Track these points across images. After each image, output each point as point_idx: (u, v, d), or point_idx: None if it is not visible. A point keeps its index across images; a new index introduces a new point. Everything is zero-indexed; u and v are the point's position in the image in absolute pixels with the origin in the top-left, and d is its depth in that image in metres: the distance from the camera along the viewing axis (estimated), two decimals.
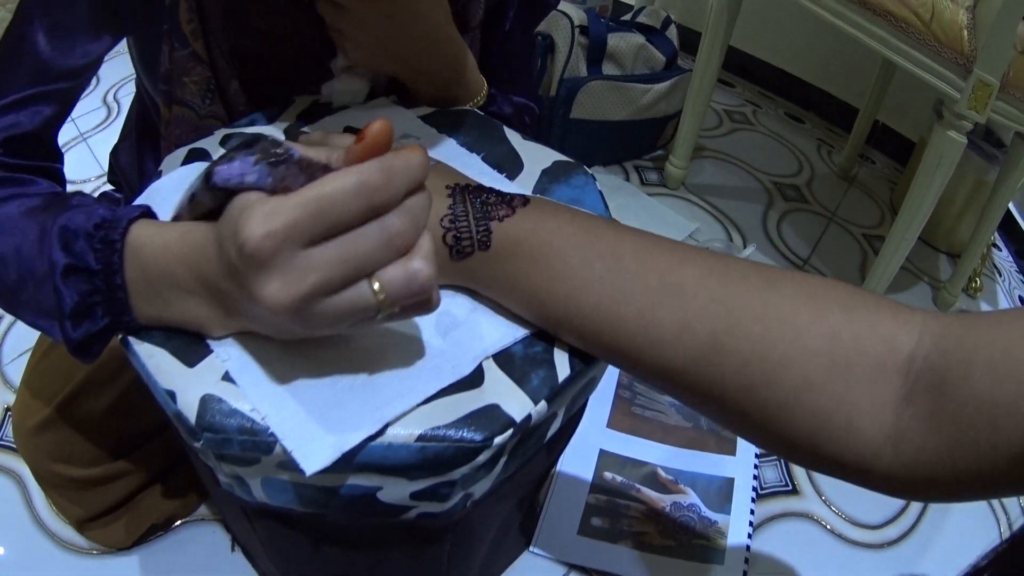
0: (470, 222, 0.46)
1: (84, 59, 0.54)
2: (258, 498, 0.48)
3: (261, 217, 0.35)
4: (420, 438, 0.43)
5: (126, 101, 1.58)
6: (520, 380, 0.47)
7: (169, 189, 0.53)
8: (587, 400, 0.60)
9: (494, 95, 0.69)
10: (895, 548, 0.99)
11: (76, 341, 0.45)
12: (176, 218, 0.45)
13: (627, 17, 1.66)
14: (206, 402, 0.42)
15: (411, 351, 0.46)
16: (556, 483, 0.96)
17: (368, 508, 0.47)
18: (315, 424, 0.41)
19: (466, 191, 0.48)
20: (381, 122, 0.37)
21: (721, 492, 1.00)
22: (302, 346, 0.45)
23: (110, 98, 1.61)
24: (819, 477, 1.07)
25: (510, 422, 0.45)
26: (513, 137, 0.64)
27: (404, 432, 0.43)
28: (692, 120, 1.46)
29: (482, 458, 0.44)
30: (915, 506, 1.05)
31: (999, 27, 0.98)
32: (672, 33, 1.59)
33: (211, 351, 0.45)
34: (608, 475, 0.99)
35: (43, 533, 0.85)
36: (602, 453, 1.01)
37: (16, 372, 1.01)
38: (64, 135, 0.72)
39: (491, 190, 0.48)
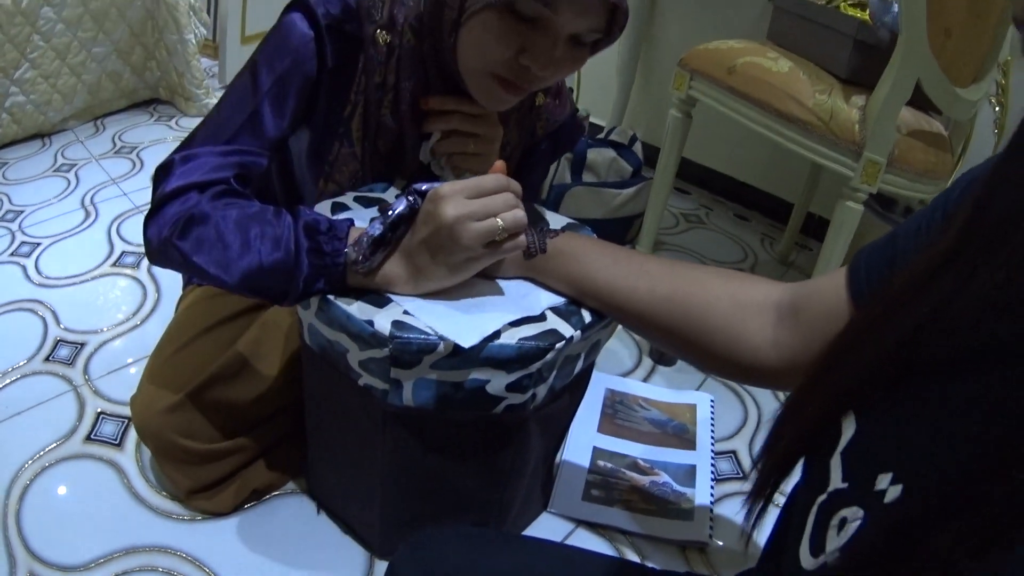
0: (535, 239, 0.84)
1: (279, 137, 0.89)
2: (405, 401, 0.81)
3: (448, 187, 0.74)
4: (519, 339, 0.77)
5: (103, 206, 1.94)
6: (566, 318, 0.83)
7: (324, 210, 0.89)
8: (593, 363, 0.95)
9: None
10: None
11: (300, 293, 0.78)
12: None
13: (602, 135, 2.12)
14: (395, 324, 0.76)
15: (509, 300, 0.83)
16: (562, 467, 1.28)
17: (479, 400, 0.81)
18: (464, 325, 0.76)
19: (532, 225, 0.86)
20: (501, 163, 0.75)
21: (686, 474, 1.34)
22: (447, 294, 0.80)
23: (88, 200, 1.97)
24: None
25: (563, 337, 0.80)
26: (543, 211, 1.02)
27: (508, 339, 0.77)
28: (652, 218, 1.85)
29: (550, 357, 0.79)
30: None
31: (882, 118, 1.38)
32: (638, 148, 2.04)
33: (391, 301, 0.79)
34: (601, 463, 1.32)
35: (142, 505, 1.10)
36: (595, 449, 1.35)
37: (105, 386, 1.32)
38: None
39: (546, 224, 0.87)
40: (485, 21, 0.79)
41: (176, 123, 2.51)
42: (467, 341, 0.76)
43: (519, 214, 0.77)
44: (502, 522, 1.04)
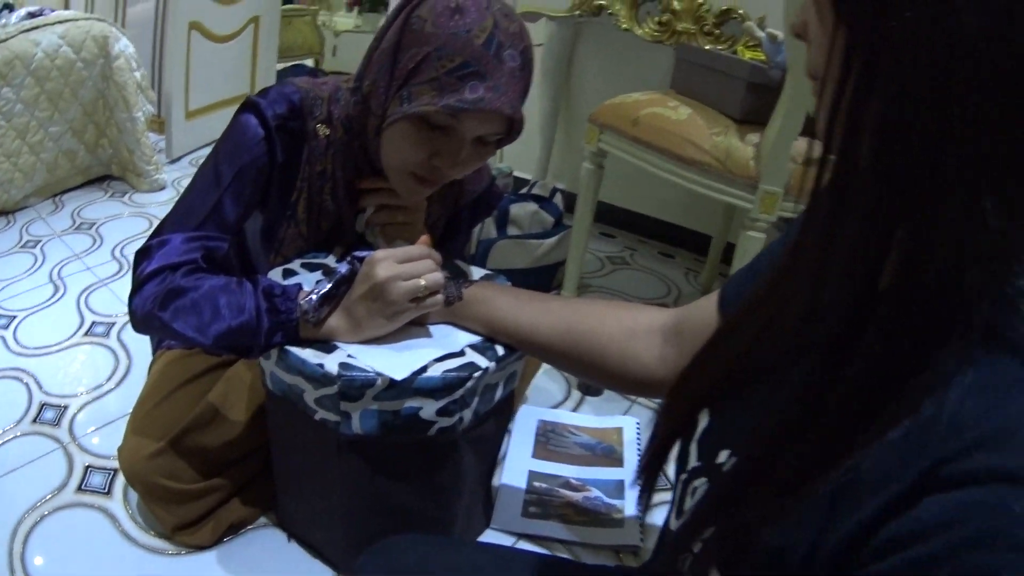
0: (454, 290, 1.04)
1: (238, 222, 1.09)
2: (355, 430, 1.00)
3: (381, 253, 0.93)
4: (443, 371, 0.97)
5: (69, 280, 2.12)
6: (482, 352, 1.03)
7: (276, 275, 1.09)
8: (513, 391, 1.14)
9: None
10: None
11: (264, 346, 0.97)
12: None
13: (524, 190, 2.35)
14: (341, 365, 0.95)
15: (434, 340, 1.03)
16: (501, 489, 1.47)
17: (414, 425, 1.00)
18: (396, 363, 0.96)
19: (452, 279, 1.06)
20: (426, 236, 0.96)
21: (616, 488, 1.53)
22: (383, 340, 0.99)
23: (55, 274, 2.15)
24: None
25: (480, 367, 1.00)
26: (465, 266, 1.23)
27: (434, 372, 0.97)
28: (574, 263, 2.07)
29: (470, 384, 0.99)
30: None
31: (775, 153, 1.55)
32: (558, 199, 2.27)
33: (337, 347, 0.98)
34: (536, 484, 1.51)
35: (132, 544, 1.26)
36: (530, 472, 1.53)
37: (90, 442, 1.48)
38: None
39: (465, 278, 1.07)
40: (402, 129, 0.99)
41: (129, 199, 2.70)
42: (400, 375, 0.95)
43: (438, 276, 0.98)
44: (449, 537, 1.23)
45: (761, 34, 1.73)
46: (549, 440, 1.64)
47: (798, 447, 0.51)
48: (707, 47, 1.94)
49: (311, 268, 1.14)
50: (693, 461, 0.69)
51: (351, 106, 1.05)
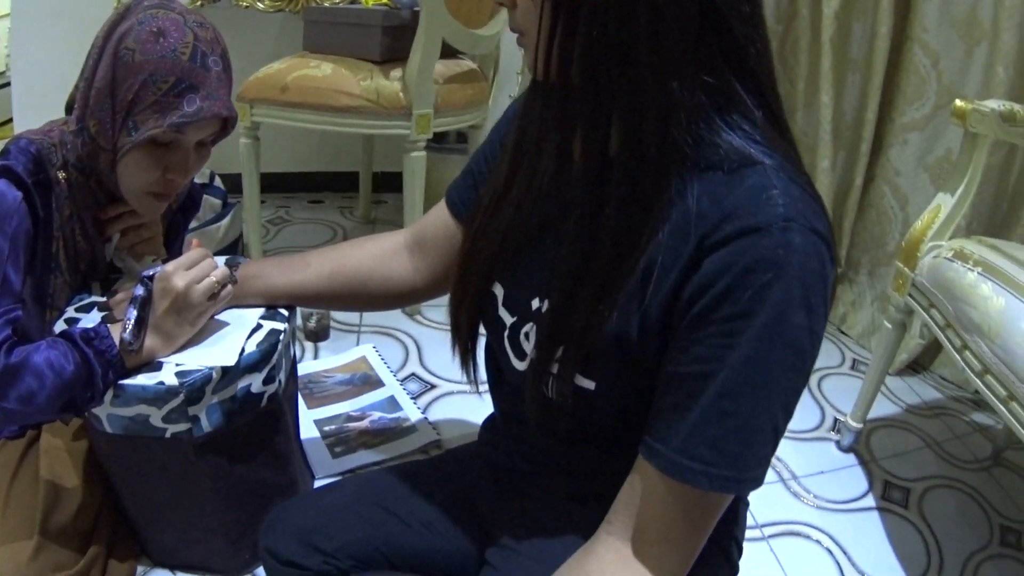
0: (229, 277, 1.14)
1: (22, 288, 1.06)
2: (205, 429, 1.09)
3: (170, 266, 1.03)
4: (256, 345, 1.10)
5: None
6: (273, 319, 1.17)
7: (60, 327, 1.11)
8: (295, 354, 1.28)
9: None
10: None
11: (103, 389, 1.02)
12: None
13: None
14: (178, 375, 1.04)
15: (235, 325, 1.14)
16: (304, 445, 1.60)
17: (250, 401, 1.12)
18: (221, 353, 1.07)
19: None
20: (197, 240, 1.06)
21: (390, 404, 1.75)
22: (195, 341, 1.09)
23: None
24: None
25: (280, 330, 1.15)
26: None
27: (251, 348, 1.09)
28: (255, 234, 2.20)
29: (280, 347, 1.14)
30: None
31: (420, 80, 1.81)
32: (218, 181, 2.30)
33: (163, 364, 1.06)
34: (326, 428, 1.67)
35: None
36: (315, 422, 1.69)
37: None
38: None
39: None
40: (135, 157, 1.06)
41: None
42: (230, 361, 1.06)
43: (223, 269, 1.09)
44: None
45: None
46: (313, 391, 1.80)
47: (595, 267, 0.73)
48: (328, 4, 2.11)
49: (86, 310, 1.16)
50: (509, 320, 0.87)
51: (79, 148, 1.09)
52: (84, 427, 1.23)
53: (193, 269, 1.06)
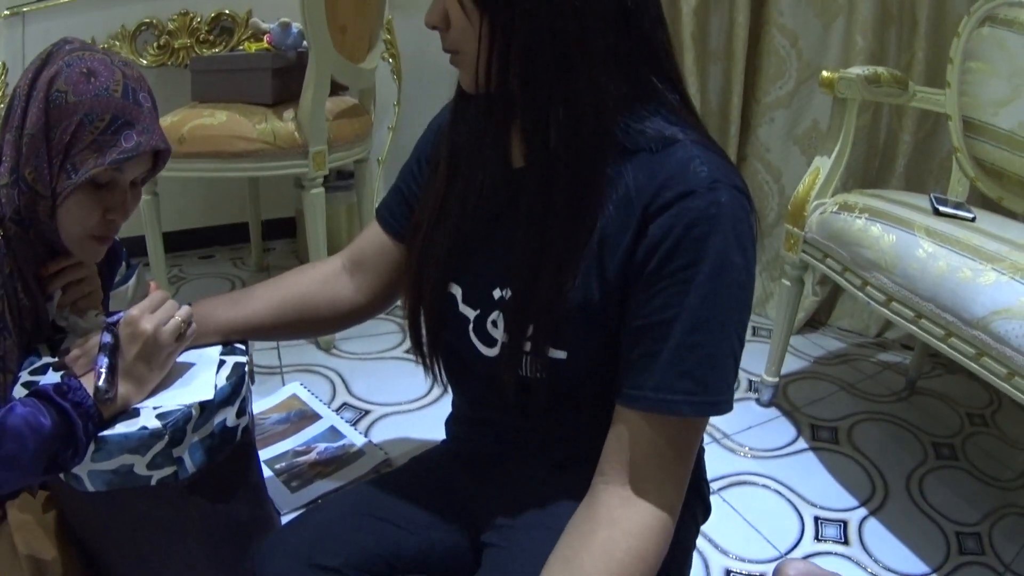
0: (190, 314, 1.18)
1: None
2: (190, 470, 1.13)
3: (135, 310, 1.06)
4: (225, 380, 1.16)
5: None
6: (232, 353, 1.22)
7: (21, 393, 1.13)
8: (237, 433, 1.29)
9: None
10: None
11: (85, 442, 1.04)
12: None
13: None
14: (158, 417, 1.08)
15: (200, 364, 1.18)
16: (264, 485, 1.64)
17: (227, 436, 1.14)
18: (195, 391, 1.10)
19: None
20: (155, 283, 1.11)
21: (331, 434, 1.81)
22: (165, 384, 1.12)
23: None
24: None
25: (242, 363, 1.20)
26: None
27: (220, 383, 1.15)
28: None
29: (245, 380, 1.19)
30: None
31: (313, 118, 1.89)
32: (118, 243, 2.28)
33: (139, 410, 1.10)
34: (277, 466, 1.71)
35: None
36: (264, 462, 1.72)
37: None
38: None
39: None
40: (76, 200, 1.07)
41: None
42: (207, 396, 1.11)
43: (186, 309, 1.13)
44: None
45: (269, 25, 2.02)
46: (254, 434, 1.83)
47: (552, 246, 0.84)
48: (209, 53, 2.17)
49: (41, 372, 1.17)
50: (472, 315, 0.94)
51: (15, 199, 1.09)
52: (51, 498, 1.22)
53: (158, 311, 1.09)
